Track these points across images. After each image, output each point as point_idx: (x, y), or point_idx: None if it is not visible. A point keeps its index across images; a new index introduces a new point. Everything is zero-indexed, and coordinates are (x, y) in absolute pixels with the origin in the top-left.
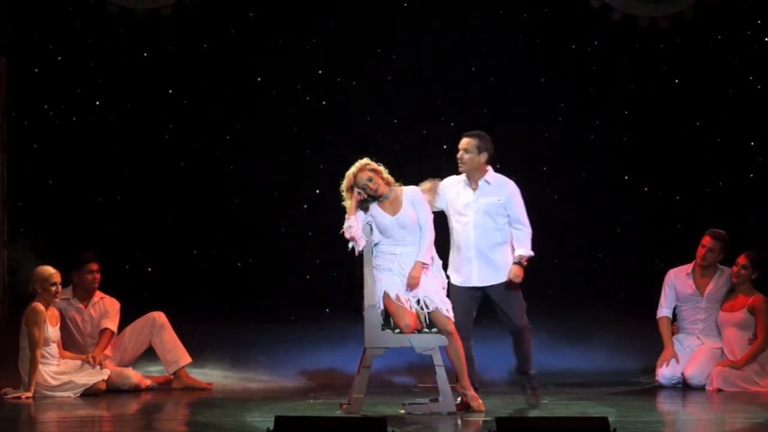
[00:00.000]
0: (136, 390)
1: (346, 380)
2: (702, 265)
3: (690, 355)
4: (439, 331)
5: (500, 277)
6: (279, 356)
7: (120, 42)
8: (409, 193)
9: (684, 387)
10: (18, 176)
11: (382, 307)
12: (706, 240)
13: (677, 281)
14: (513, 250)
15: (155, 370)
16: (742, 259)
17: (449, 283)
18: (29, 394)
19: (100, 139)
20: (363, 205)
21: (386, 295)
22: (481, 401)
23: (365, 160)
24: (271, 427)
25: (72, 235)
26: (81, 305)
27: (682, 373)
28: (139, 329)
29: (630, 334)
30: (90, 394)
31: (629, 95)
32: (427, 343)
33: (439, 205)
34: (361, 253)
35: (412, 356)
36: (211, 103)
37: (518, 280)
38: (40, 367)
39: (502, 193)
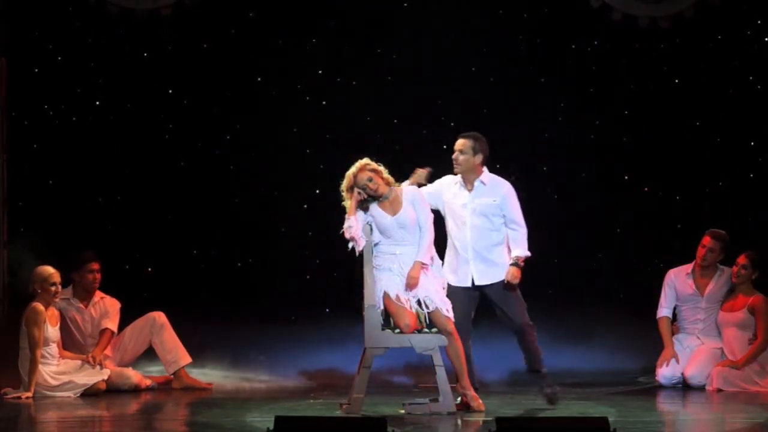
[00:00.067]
0: (136, 390)
1: (346, 380)
2: (702, 265)
3: (690, 355)
4: (439, 331)
5: (497, 276)
6: (279, 356)
7: (120, 42)
8: (409, 193)
9: (684, 387)
10: (18, 176)
11: (382, 307)
12: (707, 240)
13: (677, 281)
14: (509, 250)
15: (155, 370)
16: (742, 259)
17: (447, 284)
18: (29, 394)
19: (100, 139)
20: (363, 205)
21: (386, 295)
22: (481, 401)
23: (365, 160)
24: (271, 427)
25: (72, 235)
26: (81, 305)
27: (682, 373)
28: (139, 329)
29: (630, 334)
30: (90, 394)
31: (629, 95)
32: (427, 343)
33: (434, 203)
34: (361, 253)
35: (412, 356)
36: (211, 103)
37: (516, 281)
38: (40, 367)
39: (497, 193)
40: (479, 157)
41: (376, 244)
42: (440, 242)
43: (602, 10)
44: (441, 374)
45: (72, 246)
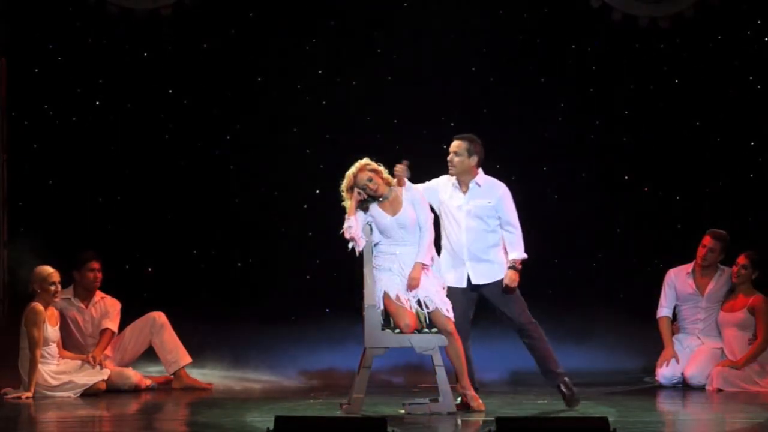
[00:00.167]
0: (136, 390)
1: (346, 380)
2: (702, 265)
3: (690, 355)
4: (439, 331)
5: (494, 275)
6: (279, 356)
7: (120, 42)
8: (409, 193)
9: (684, 387)
10: (18, 176)
11: (382, 307)
12: (707, 240)
13: (677, 281)
14: (505, 250)
15: (155, 370)
16: (742, 259)
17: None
18: (29, 394)
19: (100, 139)
20: (363, 205)
21: (386, 295)
22: (481, 401)
23: (365, 160)
24: (271, 427)
25: (72, 235)
26: (82, 305)
27: (682, 373)
28: (139, 329)
29: (630, 334)
30: (90, 394)
31: (629, 95)
32: (427, 343)
33: (430, 200)
34: (361, 253)
35: (412, 356)
36: (211, 103)
37: (514, 284)
38: (40, 367)
39: (492, 195)
40: (474, 159)
41: (376, 244)
42: (439, 242)
43: (602, 10)
44: (441, 374)
45: (72, 246)
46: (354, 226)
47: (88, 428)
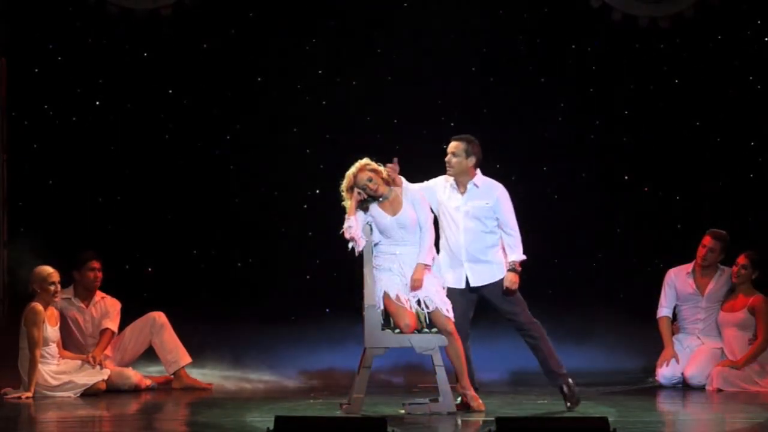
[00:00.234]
0: (136, 390)
1: (346, 380)
2: (702, 265)
3: (690, 355)
4: (439, 331)
5: (493, 276)
6: (279, 356)
7: (120, 42)
8: (409, 193)
9: (684, 387)
10: (18, 176)
11: (382, 307)
12: (707, 240)
13: (677, 280)
14: (504, 250)
15: (155, 370)
16: (742, 259)
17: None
18: (29, 394)
19: (100, 139)
20: (363, 205)
21: (386, 295)
22: (481, 401)
23: (365, 160)
24: (271, 427)
25: (72, 235)
26: (82, 305)
27: (682, 373)
28: (139, 329)
29: (630, 334)
30: (90, 394)
31: (629, 95)
32: (427, 343)
33: (429, 198)
34: (361, 253)
35: (412, 356)
36: (211, 103)
37: (514, 287)
38: (40, 367)
39: (490, 196)
40: (472, 160)
41: (376, 244)
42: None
43: (602, 10)
44: (441, 374)
45: (72, 246)
46: (354, 226)
47: (88, 428)
